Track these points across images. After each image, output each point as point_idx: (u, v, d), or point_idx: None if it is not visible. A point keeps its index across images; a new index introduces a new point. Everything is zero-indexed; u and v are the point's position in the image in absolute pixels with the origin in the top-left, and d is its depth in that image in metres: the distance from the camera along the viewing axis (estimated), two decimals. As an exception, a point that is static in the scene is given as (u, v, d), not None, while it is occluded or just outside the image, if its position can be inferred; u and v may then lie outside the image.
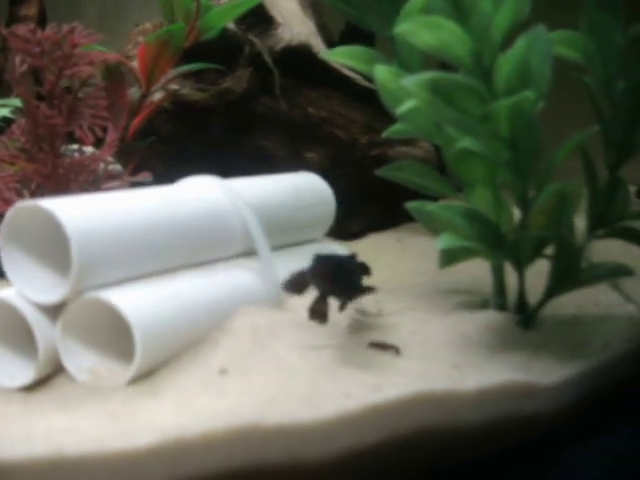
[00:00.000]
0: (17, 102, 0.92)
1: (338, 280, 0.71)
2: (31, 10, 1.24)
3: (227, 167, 1.18)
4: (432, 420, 0.66)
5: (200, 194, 0.79)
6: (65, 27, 0.75)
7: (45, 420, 0.63)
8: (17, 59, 0.71)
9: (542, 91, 0.73)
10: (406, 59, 0.85)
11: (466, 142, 0.71)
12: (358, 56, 0.88)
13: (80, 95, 0.77)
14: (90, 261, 0.65)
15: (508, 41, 0.74)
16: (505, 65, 0.71)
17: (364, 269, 0.82)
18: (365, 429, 0.63)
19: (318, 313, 0.71)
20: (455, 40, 0.65)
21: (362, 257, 1.13)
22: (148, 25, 1.23)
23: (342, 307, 0.75)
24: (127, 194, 0.73)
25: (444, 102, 0.69)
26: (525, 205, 0.77)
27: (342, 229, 1.22)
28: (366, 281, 0.96)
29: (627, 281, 0.95)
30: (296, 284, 0.73)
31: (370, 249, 1.20)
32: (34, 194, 0.76)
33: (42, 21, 1.24)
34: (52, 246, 0.68)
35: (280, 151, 1.20)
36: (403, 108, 0.73)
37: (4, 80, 0.81)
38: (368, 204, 1.19)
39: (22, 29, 0.71)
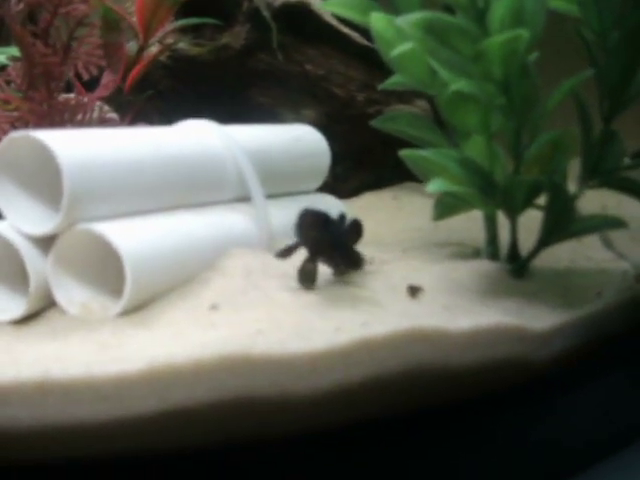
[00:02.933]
0: (15, 50, 0.92)
1: (326, 235, 0.70)
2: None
3: (225, 122, 1.19)
4: (422, 358, 0.66)
5: (196, 136, 0.80)
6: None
7: (34, 349, 0.63)
8: (13, -2, 0.71)
9: (536, 34, 0.73)
10: (403, 7, 0.84)
11: (460, 84, 0.71)
12: (354, 6, 0.88)
13: (75, 35, 0.77)
14: (82, 192, 0.66)
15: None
16: (500, 6, 0.71)
17: (355, 228, 0.80)
18: (354, 364, 0.64)
19: (307, 275, 0.70)
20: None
21: (358, 214, 1.14)
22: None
23: (338, 272, 0.73)
24: (122, 131, 0.73)
25: (438, 42, 0.69)
26: (518, 151, 0.77)
27: (339, 187, 1.22)
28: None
29: (621, 240, 0.96)
30: (286, 254, 0.72)
31: (366, 206, 1.20)
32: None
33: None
34: (45, 178, 0.69)
35: (278, 107, 1.19)
36: (397, 51, 0.73)
37: (4, 27, 0.80)
38: (365, 162, 1.19)
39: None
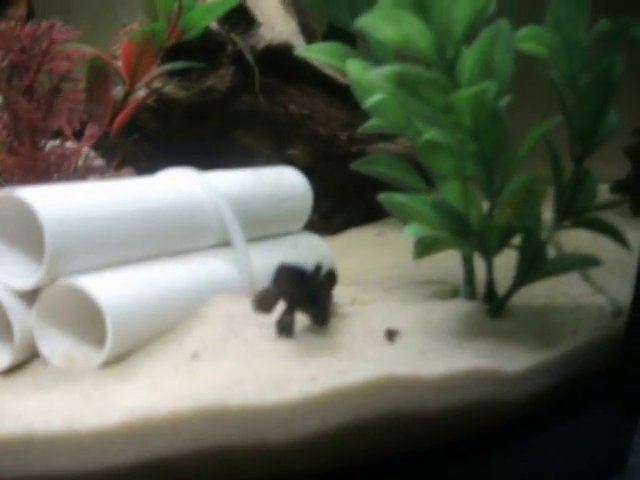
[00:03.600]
0: (-1, 99, 0.94)
1: (302, 289, 0.72)
2: (19, 10, 1.27)
3: (211, 164, 1.21)
4: (397, 404, 0.68)
5: (177, 186, 0.81)
6: (45, 24, 0.77)
7: (18, 401, 0.65)
8: (-2, 55, 0.73)
9: (505, 83, 0.75)
10: (379, 55, 0.87)
11: (431, 133, 0.73)
12: (333, 53, 0.90)
13: (60, 90, 0.79)
14: (64, 248, 0.67)
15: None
16: (469, 58, 0.73)
17: (330, 277, 0.83)
18: (329, 412, 0.65)
19: (284, 327, 0.73)
20: (417, 34, 0.67)
21: (342, 251, 1.16)
22: (136, 25, 1.25)
23: (319, 320, 0.76)
24: (103, 184, 0.75)
25: (409, 94, 0.71)
26: (491, 196, 0.79)
27: (324, 224, 1.25)
28: (343, 276, 0.99)
29: (599, 273, 0.97)
30: (264, 301, 0.74)
31: (351, 243, 1.22)
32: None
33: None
34: (28, 234, 0.70)
35: (263, 148, 1.22)
36: (370, 101, 0.75)
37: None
38: (350, 199, 1.21)
39: (2, 25, 0.74)
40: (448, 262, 0.97)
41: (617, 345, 0.85)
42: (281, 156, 1.21)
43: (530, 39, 0.84)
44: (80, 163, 0.87)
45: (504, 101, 0.78)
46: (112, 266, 0.73)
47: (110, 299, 0.68)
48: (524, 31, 0.83)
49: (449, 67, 0.71)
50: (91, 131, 0.85)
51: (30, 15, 1.28)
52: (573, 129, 0.83)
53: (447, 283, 0.95)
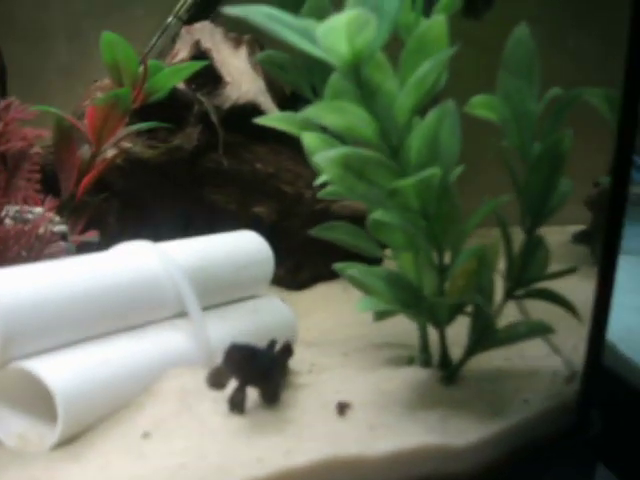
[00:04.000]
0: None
1: (253, 368, 0.73)
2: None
3: (179, 220, 1.23)
4: (344, 483, 0.69)
5: (131, 260, 0.83)
6: (1, 103, 0.79)
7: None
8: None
9: (452, 162, 0.77)
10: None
11: (377, 214, 0.74)
12: (291, 122, 0.92)
13: (19, 167, 0.81)
14: (15, 334, 0.69)
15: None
16: (416, 139, 0.75)
17: (285, 353, 0.85)
18: (275, 494, 0.67)
19: (236, 404, 0.74)
20: (360, 122, 0.69)
21: (307, 307, 1.17)
22: (107, 81, 1.26)
23: (268, 399, 0.77)
24: (56, 264, 0.77)
25: (355, 177, 0.73)
26: (441, 270, 0.81)
27: (290, 279, 1.26)
28: (306, 335, 1.00)
29: (559, 331, 0.98)
30: (217, 378, 0.75)
31: (316, 299, 1.24)
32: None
33: (1, 74, 1.28)
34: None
35: (230, 205, 1.24)
36: (319, 181, 0.77)
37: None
38: (316, 255, 1.22)
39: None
40: (408, 323, 0.99)
41: (569, 412, 0.86)
42: (248, 213, 1.23)
43: (483, 106, 0.86)
44: (41, 231, 0.88)
45: (454, 174, 0.80)
46: (66, 346, 0.74)
47: (61, 382, 0.69)
48: (477, 98, 0.86)
49: (394, 152, 0.73)
50: (50, 204, 0.86)
51: (1, 68, 1.30)
52: (524, 200, 0.85)
53: (405, 346, 0.96)
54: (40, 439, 0.72)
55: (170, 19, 1.59)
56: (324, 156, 0.72)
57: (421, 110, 0.77)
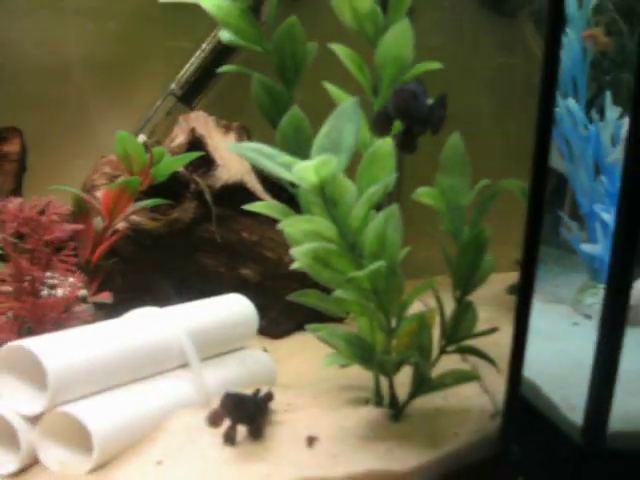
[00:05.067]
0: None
1: (242, 410, 0.96)
2: (13, 147, 1.50)
3: (177, 280, 1.45)
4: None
5: (145, 324, 1.05)
6: (43, 201, 1.02)
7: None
8: (7, 226, 0.97)
9: (395, 252, 1.00)
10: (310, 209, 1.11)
11: (338, 293, 0.97)
12: (274, 209, 1.14)
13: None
14: (60, 387, 0.91)
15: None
16: (369, 233, 0.98)
17: (267, 399, 1.06)
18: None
19: (229, 438, 0.96)
20: (323, 227, 0.92)
21: (286, 353, 1.39)
22: (113, 157, 1.48)
23: (254, 434, 0.98)
24: (88, 329, 1.00)
25: (321, 265, 0.96)
26: (388, 332, 1.03)
27: (273, 329, 1.49)
28: (284, 378, 1.22)
29: (491, 373, 1.20)
30: (215, 419, 0.97)
31: (295, 346, 1.46)
32: (21, 324, 1.02)
33: (23, 157, 1.50)
34: (35, 371, 0.94)
35: (220, 268, 1.46)
36: (293, 266, 0.99)
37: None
38: (294, 309, 1.44)
39: (12, 207, 0.97)
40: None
41: (492, 444, 1.08)
42: (235, 274, 1.46)
43: (427, 196, 1.09)
44: (67, 290, 1.10)
45: (398, 258, 1.03)
46: (97, 393, 0.96)
47: (95, 423, 0.91)
48: (423, 189, 1.08)
49: (351, 246, 0.96)
50: (79, 278, 1.08)
51: (23, 151, 1.51)
52: (455, 276, 1.08)
53: (364, 388, 1.18)
54: (77, 465, 0.94)
55: (165, 95, 1.82)
56: (297, 250, 0.95)
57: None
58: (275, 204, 1.13)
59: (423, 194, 1.08)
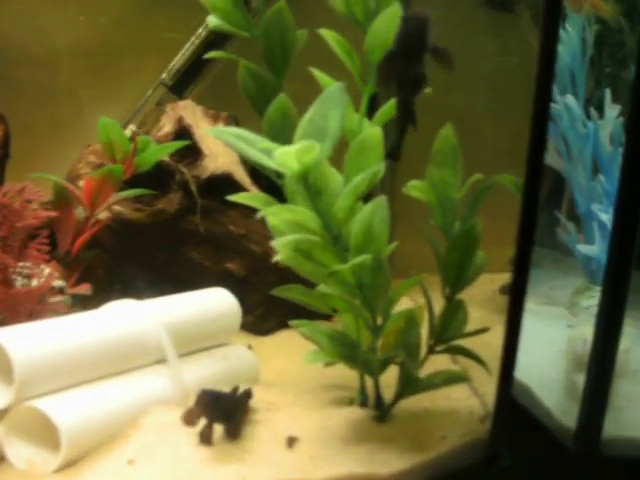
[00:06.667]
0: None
1: (219, 409, 0.91)
2: (-5, 133, 1.45)
3: (161, 273, 1.40)
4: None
5: (121, 317, 1.01)
6: (17, 187, 0.97)
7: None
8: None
9: (382, 245, 0.96)
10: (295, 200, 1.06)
11: (322, 287, 0.93)
12: (257, 200, 1.10)
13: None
14: (28, 380, 0.87)
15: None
16: (355, 225, 0.93)
17: (246, 397, 1.02)
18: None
19: (205, 438, 0.92)
20: (306, 218, 0.88)
21: (270, 351, 1.34)
22: (98, 146, 1.43)
23: (231, 434, 0.94)
24: (60, 321, 0.95)
25: (303, 257, 0.91)
26: (374, 331, 0.99)
27: (257, 326, 1.45)
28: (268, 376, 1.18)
29: (483, 375, 1.16)
30: (190, 417, 0.93)
31: (279, 343, 1.42)
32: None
33: (6, 144, 1.45)
34: (2, 363, 0.89)
35: (205, 261, 1.42)
36: (275, 259, 0.95)
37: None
38: (280, 305, 1.40)
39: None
40: (353, 368, 1.17)
41: (482, 448, 1.04)
42: (221, 268, 1.41)
43: (416, 189, 1.05)
44: (42, 281, 1.05)
45: (385, 252, 0.99)
46: (67, 388, 0.92)
47: (63, 418, 0.87)
48: (413, 182, 1.04)
49: (336, 239, 0.91)
50: (55, 266, 1.04)
51: (5, 137, 1.47)
52: (444, 272, 1.03)
53: (349, 388, 1.14)
54: (44, 463, 0.89)
55: (156, 85, 1.78)
56: (279, 241, 0.91)
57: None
58: (258, 194, 1.09)
59: (413, 187, 1.04)
